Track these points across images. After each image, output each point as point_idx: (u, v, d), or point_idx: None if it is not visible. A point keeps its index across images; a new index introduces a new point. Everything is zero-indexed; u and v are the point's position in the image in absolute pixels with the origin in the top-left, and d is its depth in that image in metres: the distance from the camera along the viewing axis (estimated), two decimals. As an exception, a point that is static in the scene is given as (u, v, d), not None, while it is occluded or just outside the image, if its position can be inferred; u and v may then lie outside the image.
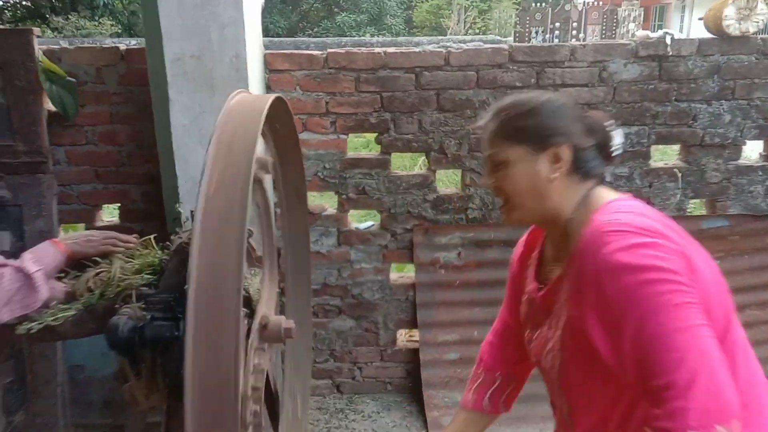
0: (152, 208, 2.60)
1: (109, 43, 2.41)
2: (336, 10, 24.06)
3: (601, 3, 18.80)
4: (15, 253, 1.48)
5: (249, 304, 1.52)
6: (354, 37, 17.94)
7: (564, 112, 1.11)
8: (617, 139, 1.13)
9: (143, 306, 1.50)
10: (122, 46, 2.51)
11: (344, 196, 2.68)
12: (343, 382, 2.90)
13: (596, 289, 0.95)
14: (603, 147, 1.12)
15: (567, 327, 1.07)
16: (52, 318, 1.48)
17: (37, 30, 2.38)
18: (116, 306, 1.50)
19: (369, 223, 2.85)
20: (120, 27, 18.43)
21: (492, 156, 1.14)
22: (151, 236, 1.74)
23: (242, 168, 1.09)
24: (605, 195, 1.08)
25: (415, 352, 2.83)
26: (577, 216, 1.07)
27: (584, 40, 15.31)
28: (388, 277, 2.79)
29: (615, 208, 1.02)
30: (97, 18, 17.84)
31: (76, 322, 1.52)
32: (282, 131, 1.62)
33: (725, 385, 0.85)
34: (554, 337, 1.12)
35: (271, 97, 1.29)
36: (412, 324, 2.83)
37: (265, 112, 1.20)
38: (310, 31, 22.67)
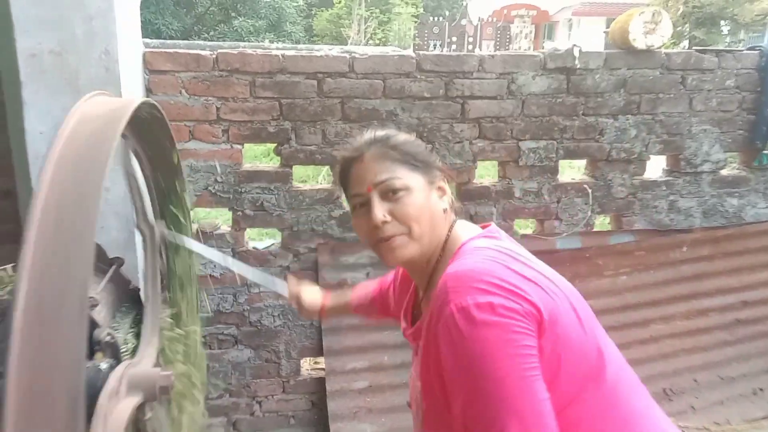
0: (9, 228, 2.21)
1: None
2: (233, 14, 23.34)
3: (494, 20, 19.53)
4: None
5: (116, 352, 1.25)
6: (252, 42, 17.44)
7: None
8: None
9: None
10: (-32, 38, 2.11)
11: (240, 213, 2.41)
12: (240, 419, 2.62)
13: (437, 347, 0.92)
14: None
15: (424, 378, 1.03)
16: None
17: None
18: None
19: (268, 242, 2.60)
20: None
21: (388, 182, 1.03)
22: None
23: (92, 182, 0.83)
24: (465, 233, 1.06)
25: (320, 382, 2.61)
26: (440, 261, 1.05)
27: (495, 52, 15.79)
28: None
29: (470, 250, 0.98)
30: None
31: None
32: (153, 141, 1.35)
33: None
34: (416, 386, 1.09)
35: (137, 99, 1.04)
36: (318, 351, 2.60)
37: (128, 116, 0.95)
38: (206, 35, 21.83)
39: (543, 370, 0.86)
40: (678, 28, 17.81)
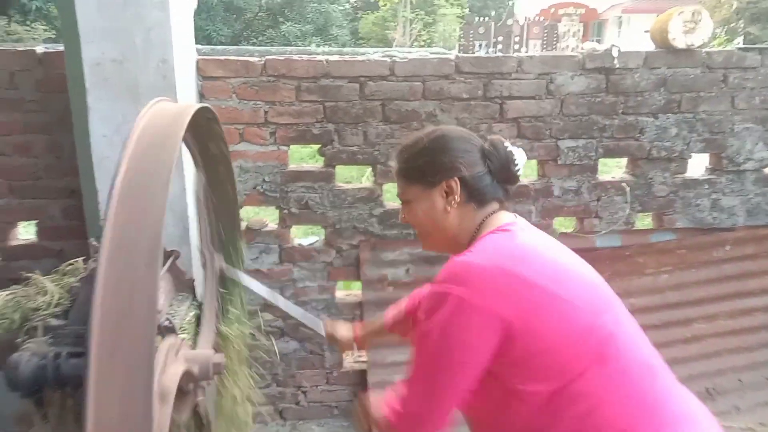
0: (74, 225, 2.38)
1: (26, 46, 2.20)
2: (281, 19, 23.81)
3: (541, 18, 19.30)
4: None
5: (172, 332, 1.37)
6: (299, 47, 17.77)
7: (453, 145, 1.19)
8: (519, 158, 1.21)
9: (50, 340, 1.33)
10: (39, 49, 2.29)
11: (286, 211, 2.53)
12: (286, 407, 2.73)
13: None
14: (503, 168, 1.20)
15: None
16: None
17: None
18: (18, 340, 1.32)
19: (312, 239, 2.71)
20: (55, 32, 17.66)
21: (398, 194, 1.27)
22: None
23: (157, 191, 0.94)
24: (492, 224, 1.17)
25: (362, 374, 2.70)
26: (471, 245, 1.16)
27: (534, 53, 15.65)
28: (333, 296, 2.65)
29: (480, 245, 1.11)
30: (29, 23, 17.04)
31: (-32, 358, 1.33)
32: (209, 143, 1.47)
33: (436, 416, 1.09)
34: None
35: (196, 105, 1.15)
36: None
37: (188, 120, 1.06)
38: (255, 40, 22.34)
39: (520, 359, 1.02)
40: (732, 24, 17.26)
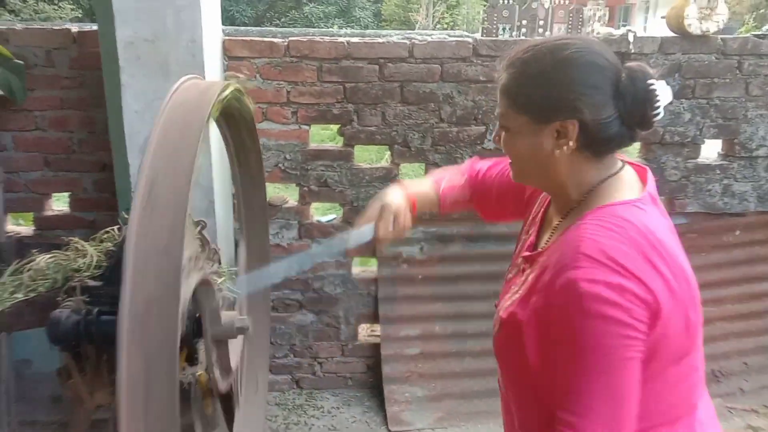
0: (105, 197, 2.51)
1: (61, 25, 2.31)
2: (304, 0, 23.80)
3: (567, 2, 19.05)
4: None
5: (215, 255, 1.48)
6: (322, 28, 17.77)
7: (581, 77, 0.95)
8: (662, 97, 0.95)
9: (88, 299, 1.44)
10: (74, 28, 2.40)
11: (306, 189, 2.63)
12: (302, 377, 2.86)
13: (546, 301, 0.93)
14: (637, 110, 0.95)
15: (510, 311, 1.05)
16: (-12, 308, 1.41)
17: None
18: (59, 298, 1.43)
19: (331, 216, 2.81)
20: (81, 11, 17.91)
21: (499, 115, 1.04)
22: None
23: (186, 155, 1.03)
24: (615, 191, 0.99)
25: (376, 347, 2.80)
26: (582, 205, 1.00)
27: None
28: (350, 271, 2.75)
29: (615, 218, 0.93)
30: (57, 1, 17.29)
31: (13, 314, 1.45)
32: (239, 120, 1.57)
33: None
34: (502, 308, 1.10)
35: (225, 83, 1.24)
36: (374, 319, 2.79)
37: (216, 98, 1.15)
38: (278, 21, 22.38)
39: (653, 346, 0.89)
40: (761, 11, 16.87)
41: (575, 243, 0.91)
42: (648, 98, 0.94)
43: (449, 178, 1.42)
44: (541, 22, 17.41)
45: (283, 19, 22.83)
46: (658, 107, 0.95)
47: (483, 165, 1.41)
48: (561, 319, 0.90)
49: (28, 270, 1.44)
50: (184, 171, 1.03)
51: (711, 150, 2.78)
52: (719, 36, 2.56)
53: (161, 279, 0.94)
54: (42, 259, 1.46)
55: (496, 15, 16.19)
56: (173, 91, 1.15)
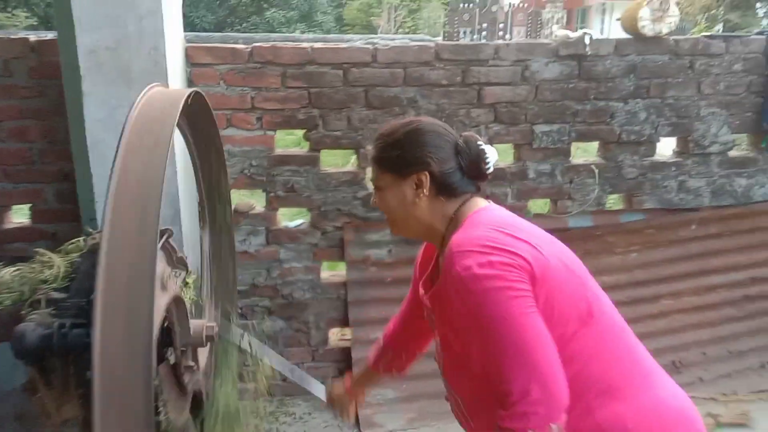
0: (68, 208, 2.47)
1: (18, 34, 2.28)
2: (265, 5, 23.66)
3: (526, 5, 19.36)
4: None
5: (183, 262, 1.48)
6: (284, 33, 17.70)
7: (426, 140, 1.23)
8: (490, 156, 1.24)
9: (53, 311, 1.41)
10: (32, 37, 2.36)
11: (273, 194, 2.63)
12: (273, 384, 2.84)
13: (450, 304, 1.13)
14: (473, 165, 1.23)
15: (441, 334, 1.28)
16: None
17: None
18: (23, 312, 1.41)
19: (298, 221, 2.81)
20: (36, 19, 17.47)
21: (372, 179, 1.32)
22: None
23: (156, 164, 1.04)
24: (470, 209, 1.22)
25: (347, 351, 2.81)
26: (447, 233, 1.22)
27: (510, 40, 15.73)
28: (318, 276, 2.76)
29: (472, 222, 1.17)
30: (10, 10, 16.84)
31: (-23, 329, 1.42)
32: (201, 127, 1.57)
33: (556, 389, 1.03)
34: (437, 342, 1.33)
35: (188, 90, 1.25)
36: (344, 323, 2.81)
37: (181, 105, 1.16)
38: (239, 27, 22.20)
39: (540, 314, 1.06)
40: (712, 12, 17.48)
41: (448, 250, 1.12)
42: (480, 155, 1.23)
43: (374, 348, 1.65)
44: (501, 25, 17.67)
45: (244, 24, 22.66)
46: (489, 162, 1.24)
47: (393, 318, 1.65)
48: (460, 308, 1.10)
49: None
50: (154, 185, 1.03)
51: (666, 148, 2.88)
52: (672, 37, 2.65)
53: (135, 297, 0.95)
54: (7, 272, 1.43)
55: (456, 18, 16.38)
56: (139, 100, 1.15)
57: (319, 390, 1.78)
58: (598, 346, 1.13)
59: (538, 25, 17.94)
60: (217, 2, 22.78)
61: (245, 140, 2.53)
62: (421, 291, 1.36)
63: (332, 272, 2.92)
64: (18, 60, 2.34)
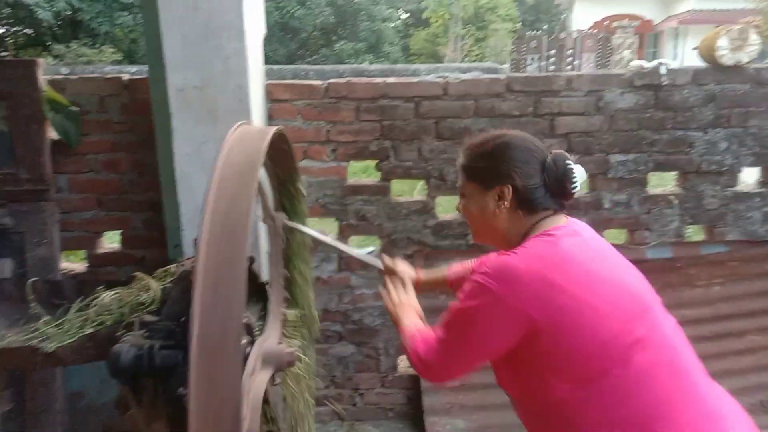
0: (154, 235, 2.61)
1: (110, 70, 2.46)
2: (334, 38, 24.36)
3: (595, 31, 19.06)
4: (15, 281, 1.49)
5: (250, 331, 1.53)
6: (352, 64, 18.14)
7: (513, 155, 1.27)
8: (578, 176, 1.27)
9: (146, 334, 1.50)
10: (125, 77, 2.54)
11: (345, 223, 2.70)
12: (343, 408, 2.88)
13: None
14: (558, 183, 1.26)
15: None
16: (56, 343, 1.49)
17: (42, 61, 2.42)
18: (118, 333, 1.50)
19: (370, 249, 2.86)
20: (121, 54, 18.66)
21: (459, 186, 1.40)
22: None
23: (244, 198, 1.10)
24: (547, 225, 1.26)
25: (416, 379, 2.82)
26: (520, 245, 1.26)
27: (579, 67, 15.49)
28: (388, 304, 2.79)
29: (524, 248, 1.21)
30: (98, 45, 18.07)
31: (77, 348, 1.52)
32: (282, 162, 1.64)
33: (450, 369, 1.33)
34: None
35: (273, 129, 1.32)
36: (413, 351, 2.81)
37: (267, 143, 1.23)
38: (309, 59, 22.94)
39: (547, 353, 1.14)
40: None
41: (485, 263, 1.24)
42: (566, 175, 1.25)
43: (460, 266, 1.75)
44: (570, 51, 17.44)
45: (314, 57, 23.39)
46: (575, 182, 1.26)
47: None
48: (458, 301, 1.25)
49: (94, 305, 1.52)
50: (242, 217, 1.10)
51: (749, 177, 2.77)
52: (752, 66, 2.57)
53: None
54: (107, 295, 1.54)
55: (524, 46, 16.31)
56: (228, 139, 1.22)
57: (376, 262, 1.80)
58: (633, 388, 1.11)
59: (608, 51, 17.59)
60: (289, 35, 23.63)
61: (320, 171, 2.62)
62: None
63: (402, 300, 2.94)
64: (112, 97, 2.52)
